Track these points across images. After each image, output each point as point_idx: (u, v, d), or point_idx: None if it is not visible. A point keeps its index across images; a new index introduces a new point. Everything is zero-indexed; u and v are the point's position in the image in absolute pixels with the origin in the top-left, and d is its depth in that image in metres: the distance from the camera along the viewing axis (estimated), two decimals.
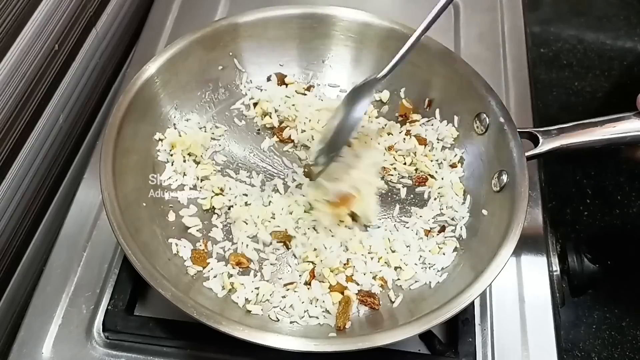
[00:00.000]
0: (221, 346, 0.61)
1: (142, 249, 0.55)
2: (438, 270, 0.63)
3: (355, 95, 0.66)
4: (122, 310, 0.62)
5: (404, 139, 0.73)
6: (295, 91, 0.76)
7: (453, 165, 0.71)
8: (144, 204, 0.64)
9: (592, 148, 0.63)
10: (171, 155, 0.69)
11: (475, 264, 0.59)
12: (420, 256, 0.64)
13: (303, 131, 0.73)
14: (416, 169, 0.72)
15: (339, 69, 0.78)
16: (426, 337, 0.62)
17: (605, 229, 0.84)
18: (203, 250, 0.64)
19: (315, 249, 0.64)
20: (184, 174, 0.68)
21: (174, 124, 0.71)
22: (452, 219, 0.67)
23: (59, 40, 0.74)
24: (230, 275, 0.62)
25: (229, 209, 0.66)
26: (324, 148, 0.66)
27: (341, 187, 0.66)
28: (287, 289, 0.62)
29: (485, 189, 0.67)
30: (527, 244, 0.70)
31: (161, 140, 0.69)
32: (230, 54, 0.74)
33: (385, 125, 0.75)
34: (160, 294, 0.52)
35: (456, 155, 0.71)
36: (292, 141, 0.73)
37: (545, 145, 0.64)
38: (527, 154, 0.63)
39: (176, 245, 0.63)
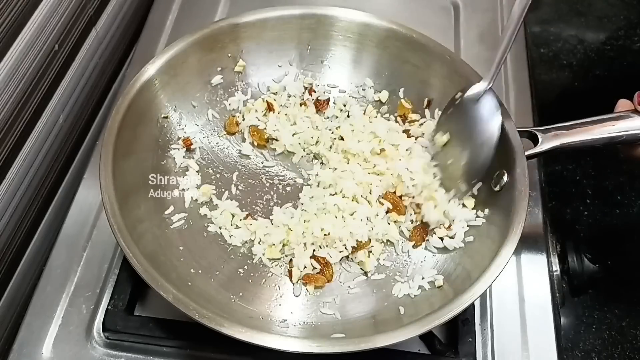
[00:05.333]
0: (221, 346, 0.61)
1: (142, 250, 0.55)
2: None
3: (475, 110, 0.63)
4: (122, 310, 0.62)
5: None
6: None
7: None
8: (144, 205, 0.64)
9: (591, 147, 0.64)
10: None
11: (476, 264, 0.59)
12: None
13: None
14: None
15: (338, 70, 0.78)
16: (426, 337, 0.62)
17: (605, 229, 0.83)
18: None
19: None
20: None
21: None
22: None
23: (59, 40, 0.74)
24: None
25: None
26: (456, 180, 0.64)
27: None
28: None
29: (485, 189, 0.67)
30: (527, 244, 0.71)
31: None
32: (229, 55, 0.74)
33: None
34: (161, 295, 0.52)
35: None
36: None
37: (545, 145, 0.64)
38: (526, 153, 0.63)
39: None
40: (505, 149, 0.64)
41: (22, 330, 0.63)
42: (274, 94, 0.77)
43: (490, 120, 0.61)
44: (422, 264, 0.65)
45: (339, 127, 0.74)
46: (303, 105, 0.76)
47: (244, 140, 0.74)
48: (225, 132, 0.74)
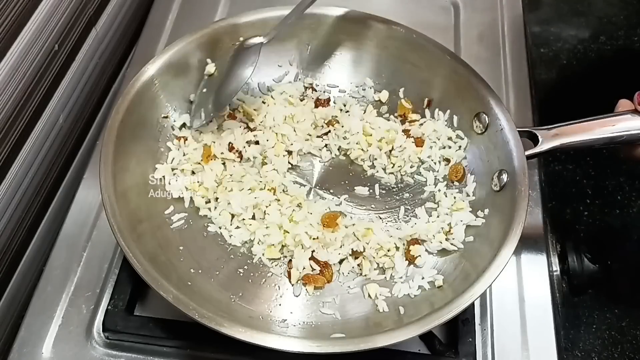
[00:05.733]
0: (221, 346, 0.61)
1: (142, 250, 0.55)
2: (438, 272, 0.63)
3: (240, 57, 0.69)
4: (122, 310, 0.62)
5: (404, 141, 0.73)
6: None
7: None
8: (144, 205, 0.64)
9: (591, 147, 0.64)
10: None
11: (476, 264, 0.59)
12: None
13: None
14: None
15: (338, 69, 0.78)
16: (426, 337, 0.62)
17: (605, 229, 0.83)
18: None
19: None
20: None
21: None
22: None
23: (59, 40, 0.74)
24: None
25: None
26: (203, 107, 0.69)
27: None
28: None
29: (485, 189, 0.67)
30: (527, 244, 0.71)
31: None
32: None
33: (382, 127, 0.74)
34: (161, 296, 0.52)
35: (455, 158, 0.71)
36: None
37: (545, 145, 0.64)
38: (526, 153, 0.63)
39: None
40: (505, 149, 0.65)
41: (22, 330, 0.63)
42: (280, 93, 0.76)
43: (246, 68, 0.68)
44: (422, 264, 0.65)
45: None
46: (302, 100, 0.76)
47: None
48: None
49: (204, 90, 0.70)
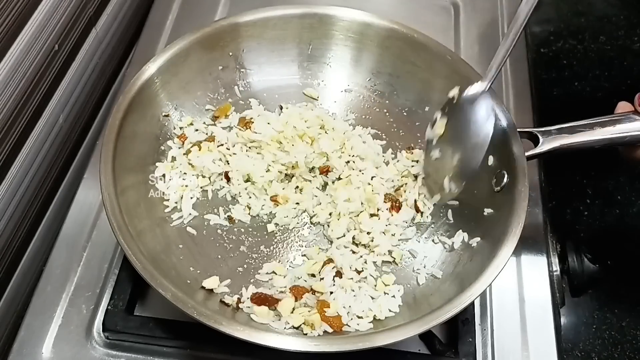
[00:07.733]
0: (221, 346, 0.61)
1: (142, 249, 0.55)
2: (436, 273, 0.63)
3: (470, 111, 0.61)
4: (122, 310, 0.62)
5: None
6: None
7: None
8: (144, 204, 0.64)
9: (591, 148, 0.64)
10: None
11: (476, 263, 0.59)
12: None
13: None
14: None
15: (338, 69, 0.78)
16: (426, 337, 0.62)
17: (605, 229, 0.83)
18: None
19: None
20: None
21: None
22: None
23: (59, 40, 0.74)
24: None
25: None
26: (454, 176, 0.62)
27: None
28: None
29: (485, 189, 0.67)
30: (527, 244, 0.71)
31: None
32: (230, 54, 0.74)
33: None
34: (160, 294, 0.52)
35: None
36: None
37: (545, 145, 0.64)
38: (527, 153, 0.63)
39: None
40: (505, 149, 0.64)
41: (22, 330, 0.63)
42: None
43: (484, 123, 0.60)
44: (421, 263, 0.65)
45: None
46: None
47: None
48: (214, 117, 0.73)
49: (437, 159, 0.64)
